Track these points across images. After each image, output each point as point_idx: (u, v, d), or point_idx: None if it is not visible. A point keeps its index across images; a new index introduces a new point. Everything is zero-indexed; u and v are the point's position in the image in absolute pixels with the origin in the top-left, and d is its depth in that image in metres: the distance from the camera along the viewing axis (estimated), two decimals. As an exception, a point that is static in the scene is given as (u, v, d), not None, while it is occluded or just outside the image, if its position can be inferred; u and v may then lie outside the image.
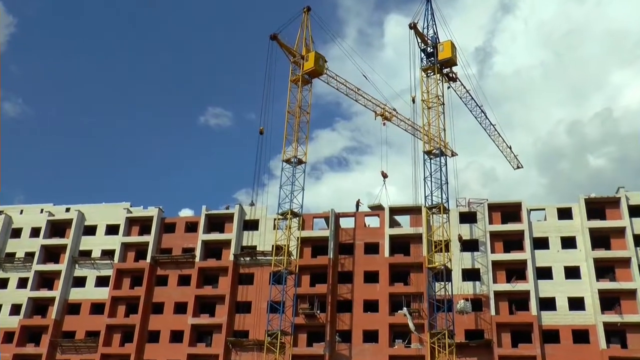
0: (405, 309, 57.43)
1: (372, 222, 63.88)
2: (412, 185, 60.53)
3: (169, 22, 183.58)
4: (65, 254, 67.14)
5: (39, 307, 66.18)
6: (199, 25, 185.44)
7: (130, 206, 69.31)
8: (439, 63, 63.48)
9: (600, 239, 57.56)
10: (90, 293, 65.36)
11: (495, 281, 57.51)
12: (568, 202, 60.93)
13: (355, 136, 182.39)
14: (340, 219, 63.99)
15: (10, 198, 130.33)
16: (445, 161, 60.56)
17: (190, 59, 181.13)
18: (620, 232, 57.45)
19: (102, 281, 65.87)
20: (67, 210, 70.97)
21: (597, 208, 59.10)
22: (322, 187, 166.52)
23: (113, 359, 61.70)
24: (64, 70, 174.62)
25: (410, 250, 60.52)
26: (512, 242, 59.23)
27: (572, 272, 56.90)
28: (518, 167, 72.65)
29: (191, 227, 66.70)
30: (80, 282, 66.44)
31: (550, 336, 54.98)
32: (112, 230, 68.14)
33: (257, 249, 62.90)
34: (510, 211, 60.54)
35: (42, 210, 71.32)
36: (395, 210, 63.36)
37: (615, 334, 54.36)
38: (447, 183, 59.23)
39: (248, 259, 63.15)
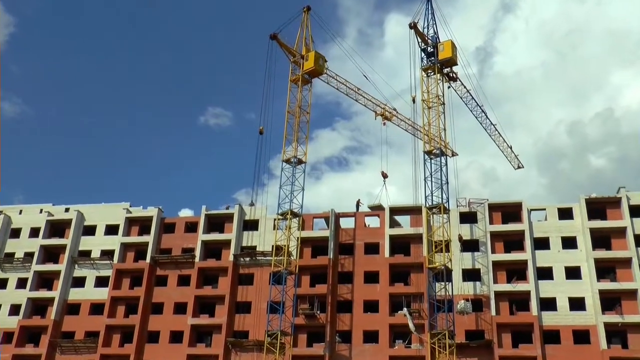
0: (405, 309, 57.33)
1: (372, 222, 63.81)
2: (412, 185, 60.70)
3: (169, 22, 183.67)
4: (64, 254, 67.04)
5: (38, 307, 66.08)
6: (198, 25, 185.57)
7: (130, 206, 69.17)
8: (439, 63, 63.34)
9: (601, 239, 57.47)
10: (90, 293, 65.25)
11: (495, 281, 57.43)
12: (569, 202, 60.82)
13: (355, 136, 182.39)
14: (340, 219, 63.89)
15: (10, 198, 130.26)
16: (446, 161, 60.51)
17: (190, 59, 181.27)
18: (621, 232, 57.35)
19: (101, 281, 65.76)
20: (67, 210, 70.82)
21: (597, 208, 59.01)
22: (322, 187, 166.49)
23: (112, 359, 61.59)
24: (64, 70, 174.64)
25: (411, 251, 60.43)
26: (513, 242, 59.12)
27: (573, 273, 56.82)
28: (519, 167, 72.64)
29: (191, 227, 66.58)
30: (79, 282, 66.33)
31: (551, 336, 54.87)
32: (111, 230, 68.03)
33: (257, 249, 62.79)
34: (510, 211, 60.42)
35: (41, 211, 71.12)
36: (395, 211, 63.26)
37: (616, 334, 54.26)
38: (447, 183, 59.23)
39: (248, 259, 63.04)
